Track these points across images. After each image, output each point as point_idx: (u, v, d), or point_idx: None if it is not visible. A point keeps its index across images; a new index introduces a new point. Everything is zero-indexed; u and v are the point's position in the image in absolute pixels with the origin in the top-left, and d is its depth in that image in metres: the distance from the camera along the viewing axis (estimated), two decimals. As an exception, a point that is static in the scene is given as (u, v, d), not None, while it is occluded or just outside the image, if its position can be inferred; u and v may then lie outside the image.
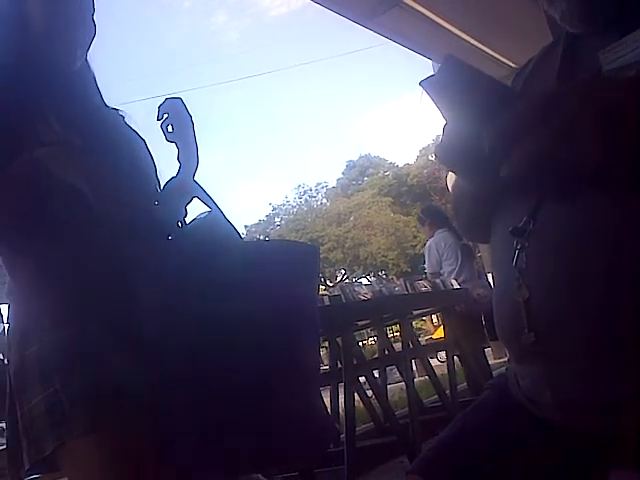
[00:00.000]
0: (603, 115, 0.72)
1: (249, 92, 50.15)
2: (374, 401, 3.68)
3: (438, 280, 4.38)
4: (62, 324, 1.05)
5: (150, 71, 50.79)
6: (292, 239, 22.67)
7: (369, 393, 3.71)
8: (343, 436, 2.90)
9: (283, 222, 31.23)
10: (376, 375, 3.94)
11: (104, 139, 1.18)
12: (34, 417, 1.01)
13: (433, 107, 0.84)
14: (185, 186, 1.22)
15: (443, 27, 4.70)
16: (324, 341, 3.47)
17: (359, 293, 3.49)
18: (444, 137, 0.87)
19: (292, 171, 50.83)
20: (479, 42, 5.04)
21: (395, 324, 4.50)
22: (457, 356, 4.25)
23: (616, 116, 0.71)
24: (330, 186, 32.78)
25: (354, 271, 28.63)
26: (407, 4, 4.37)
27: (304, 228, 28.81)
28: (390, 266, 27.54)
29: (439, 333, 8.62)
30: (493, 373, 4.30)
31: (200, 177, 1.24)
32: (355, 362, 3.27)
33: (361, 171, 32.10)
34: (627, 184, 0.76)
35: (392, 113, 50.89)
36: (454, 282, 4.42)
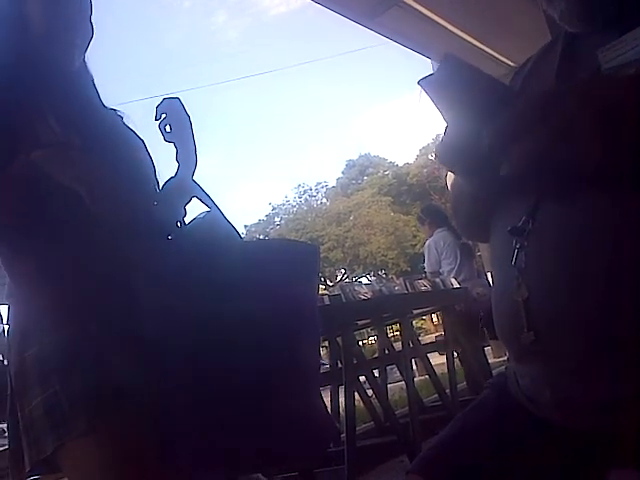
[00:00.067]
0: (602, 114, 0.72)
1: (249, 91, 50.19)
2: (374, 400, 3.68)
3: (438, 279, 4.38)
4: (62, 325, 1.05)
5: (149, 71, 50.84)
6: (292, 238, 22.65)
7: (369, 392, 3.71)
8: (343, 436, 2.90)
9: (283, 222, 31.23)
10: (376, 374, 3.94)
11: (103, 139, 1.18)
12: (34, 418, 1.01)
13: (432, 106, 0.84)
14: (184, 186, 1.22)
15: (443, 26, 4.70)
16: (324, 341, 3.47)
17: (359, 292, 3.49)
18: (444, 137, 0.87)
19: (292, 171, 50.89)
20: (478, 41, 5.04)
21: (395, 323, 4.50)
22: (457, 355, 4.25)
23: (615, 115, 0.71)
24: (330, 185, 32.84)
25: (354, 270, 28.63)
26: (407, 3, 4.37)
27: (304, 228, 28.82)
28: (390, 265, 27.55)
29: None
30: (493, 372, 4.30)
31: (199, 177, 1.24)
32: (355, 361, 3.26)
33: (361, 170, 32.10)
34: (627, 183, 0.75)
35: (392, 112, 50.95)
36: (454, 281, 4.42)
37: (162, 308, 1.05)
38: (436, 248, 4.87)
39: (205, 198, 1.21)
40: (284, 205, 32.07)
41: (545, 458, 0.87)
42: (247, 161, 50.25)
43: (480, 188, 0.94)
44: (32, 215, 1.08)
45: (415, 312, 4.34)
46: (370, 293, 3.61)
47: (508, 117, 0.77)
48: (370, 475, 3.14)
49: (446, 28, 4.73)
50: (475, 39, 4.99)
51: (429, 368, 3.92)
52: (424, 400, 4.44)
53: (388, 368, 4.58)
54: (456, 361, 4.18)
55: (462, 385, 4.48)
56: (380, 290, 3.83)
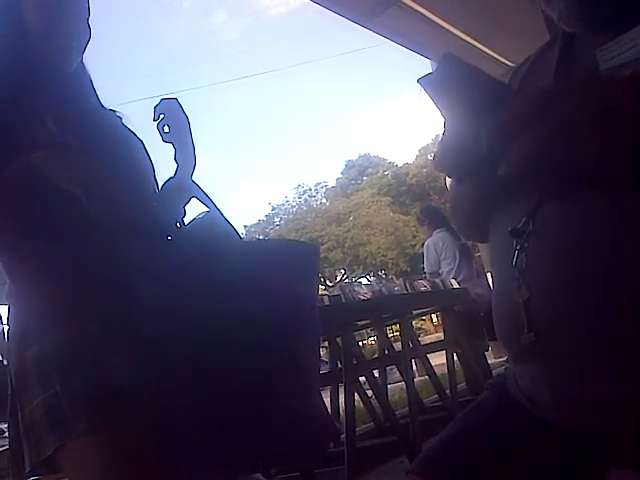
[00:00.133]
0: (601, 114, 0.72)
1: (248, 91, 50.12)
2: (374, 401, 3.68)
3: (438, 280, 4.38)
4: (62, 325, 1.05)
5: (148, 71, 50.77)
6: (292, 238, 22.64)
7: (369, 393, 3.71)
8: (343, 436, 2.90)
9: (282, 222, 31.22)
10: (376, 375, 3.93)
11: (101, 140, 1.18)
12: (35, 419, 1.01)
13: (432, 105, 0.84)
14: (183, 186, 1.22)
15: (441, 27, 4.71)
16: (324, 341, 3.47)
17: (359, 293, 3.49)
18: (442, 138, 0.87)
19: (291, 171, 50.84)
20: (477, 41, 5.05)
21: (395, 324, 4.50)
22: (456, 355, 4.25)
23: (613, 116, 0.71)
24: (329, 186, 32.81)
25: (354, 271, 28.63)
26: (406, 4, 4.38)
27: (303, 228, 28.81)
28: (390, 266, 27.54)
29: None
30: (493, 372, 4.30)
31: (199, 177, 1.24)
32: (355, 362, 3.26)
33: (360, 171, 32.09)
34: (627, 183, 0.75)
35: (391, 112, 50.98)
36: (453, 282, 4.42)
37: (162, 308, 1.05)
38: (435, 249, 4.87)
39: (204, 198, 1.21)
40: (284, 205, 32.09)
41: (545, 458, 0.87)
42: (247, 161, 50.25)
43: (479, 188, 0.94)
44: (32, 216, 1.08)
45: (415, 312, 4.34)
46: (370, 293, 3.61)
47: (507, 116, 0.77)
48: (370, 476, 3.14)
49: (445, 28, 4.74)
50: (474, 39, 5.00)
51: (429, 368, 3.92)
52: (424, 401, 4.44)
53: (388, 368, 4.59)
54: (456, 361, 4.18)
55: (462, 385, 4.48)
56: (380, 290, 3.83)
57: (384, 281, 17.27)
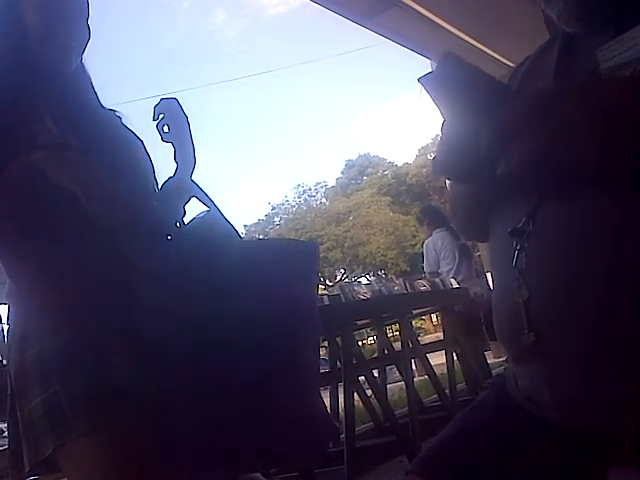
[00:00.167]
0: (600, 115, 0.72)
1: (248, 91, 50.13)
2: (374, 401, 3.68)
3: (437, 279, 4.38)
4: (62, 325, 1.05)
5: (147, 71, 50.84)
6: (291, 238, 22.63)
7: (369, 393, 3.71)
8: (343, 436, 2.90)
9: (282, 222, 31.22)
10: (376, 375, 3.94)
11: (101, 140, 1.18)
12: (34, 418, 1.01)
13: (432, 105, 0.84)
14: (183, 186, 1.22)
15: (442, 27, 4.71)
16: (324, 340, 3.47)
17: (358, 292, 3.49)
18: (441, 138, 0.87)
19: (291, 171, 50.87)
20: (477, 41, 5.05)
21: (395, 323, 4.50)
22: (456, 355, 4.25)
23: (613, 116, 0.71)
24: (329, 185, 32.83)
25: (353, 270, 28.63)
26: (406, 4, 4.38)
27: (303, 227, 28.81)
28: (389, 265, 27.55)
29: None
30: (492, 372, 4.30)
31: (199, 177, 1.24)
32: (355, 362, 3.26)
33: (360, 170, 32.10)
34: (626, 184, 0.75)
35: (391, 112, 51.01)
36: (453, 281, 4.42)
37: (162, 308, 1.05)
38: (434, 248, 4.88)
39: (204, 198, 1.20)
40: (283, 205, 32.10)
41: (545, 458, 0.87)
42: (246, 161, 50.27)
43: (479, 188, 0.94)
44: (31, 215, 1.08)
45: (414, 312, 4.34)
46: (369, 293, 3.61)
47: (506, 116, 0.77)
48: (369, 475, 3.14)
49: (445, 28, 4.74)
50: (474, 39, 5.01)
51: (428, 368, 3.92)
52: (424, 400, 4.44)
53: (388, 368, 4.59)
54: (456, 361, 4.18)
55: (461, 385, 4.48)
56: (379, 290, 3.83)
57: (384, 281, 17.26)
